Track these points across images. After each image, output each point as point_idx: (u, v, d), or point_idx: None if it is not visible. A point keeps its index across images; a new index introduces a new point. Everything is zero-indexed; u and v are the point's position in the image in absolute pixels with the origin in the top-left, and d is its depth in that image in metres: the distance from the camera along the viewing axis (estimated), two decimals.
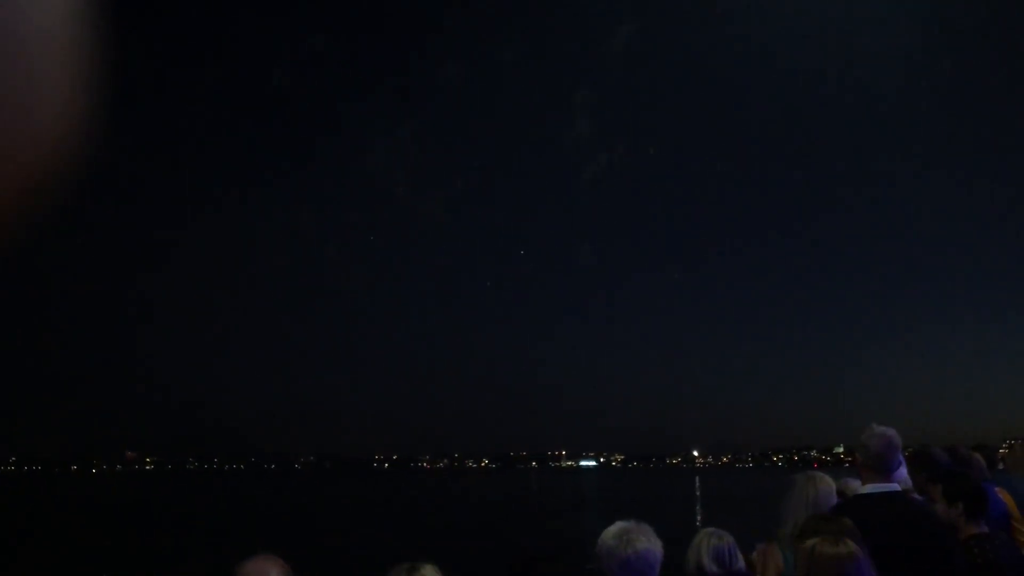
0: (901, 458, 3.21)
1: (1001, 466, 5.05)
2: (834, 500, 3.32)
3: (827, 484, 3.35)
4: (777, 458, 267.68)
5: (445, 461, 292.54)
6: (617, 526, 2.61)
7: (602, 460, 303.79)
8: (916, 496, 3.41)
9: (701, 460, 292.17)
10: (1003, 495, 3.99)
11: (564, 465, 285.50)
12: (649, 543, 2.54)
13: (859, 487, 3.46)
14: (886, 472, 3.12)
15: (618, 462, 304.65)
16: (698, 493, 63.84)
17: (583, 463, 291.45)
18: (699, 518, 34.55)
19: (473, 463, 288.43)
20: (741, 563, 2.95)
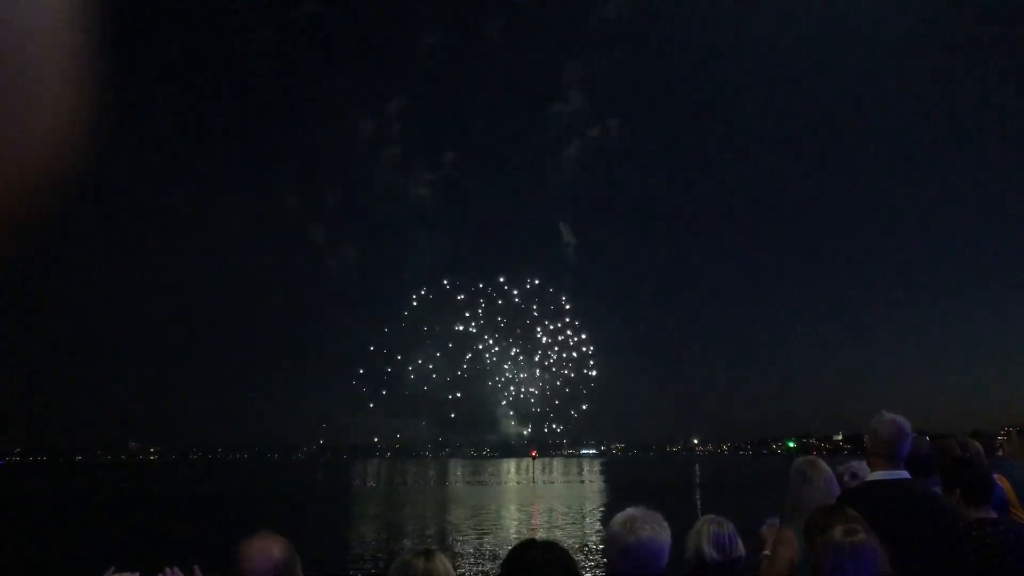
0: (909, 446, 3.22)
1: (1000, 453, 5.07)
2: (835, 482, 3.38)
3: (826, 467, 3.42)
4: (776, 446, 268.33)
5: (447, 450, 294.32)
6: (626, 513, 2.56)
7: (602, 449, 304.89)
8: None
9: (701, 448, 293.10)
10: (1001, 482, 4.01)
11: (565, 454, 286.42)
12: (653, 531, 2.46)
13: (866, 470, 3.49)
14: (895, 459, 3.15)
15: (618, 451, 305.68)
16: (698, 480, 64.16)
17: (584, 452, 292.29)
18: (699, 504, 34.74)
19: (475, 452, 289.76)
20: (741, 550, 2.94)
